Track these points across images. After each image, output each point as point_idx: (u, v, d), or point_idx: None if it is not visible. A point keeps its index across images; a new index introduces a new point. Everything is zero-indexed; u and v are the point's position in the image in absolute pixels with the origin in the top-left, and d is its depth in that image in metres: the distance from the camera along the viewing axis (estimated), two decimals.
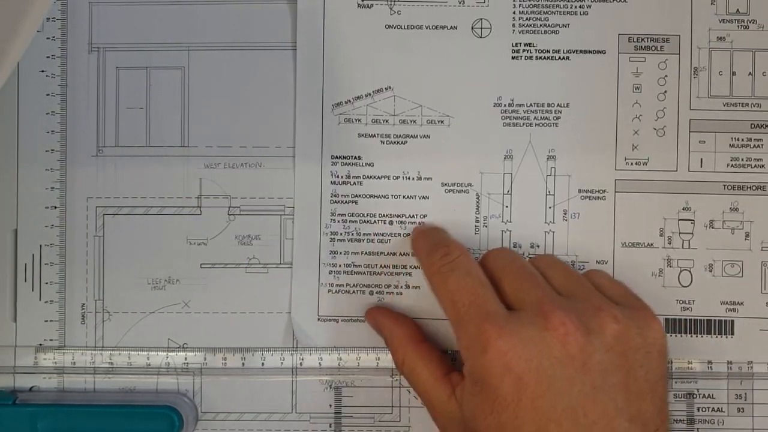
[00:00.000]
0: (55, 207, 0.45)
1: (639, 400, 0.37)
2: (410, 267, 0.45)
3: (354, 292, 0.45)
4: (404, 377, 0.42)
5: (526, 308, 0.38)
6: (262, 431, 0.46)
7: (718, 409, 0.45)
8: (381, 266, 0.45)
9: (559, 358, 0.36)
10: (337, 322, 0.45)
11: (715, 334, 0.45)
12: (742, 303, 0.45)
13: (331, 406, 0.46)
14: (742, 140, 0.45)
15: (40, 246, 0.45)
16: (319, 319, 0.45)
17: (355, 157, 0.45)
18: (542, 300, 0.38)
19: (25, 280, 0.45)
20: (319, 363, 0.46)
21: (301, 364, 0.46)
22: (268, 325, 0.46)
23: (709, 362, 0.45)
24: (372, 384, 0.45)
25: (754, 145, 0.45)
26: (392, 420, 0.46)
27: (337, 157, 0.45)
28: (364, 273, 0.45)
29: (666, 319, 0.45)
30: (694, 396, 0.45)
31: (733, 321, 0.45)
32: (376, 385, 0.46)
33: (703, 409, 0.45)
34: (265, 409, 0.46)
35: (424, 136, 0.45)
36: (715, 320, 0.45)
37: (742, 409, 0.45)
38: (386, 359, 0.45)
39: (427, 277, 0.42)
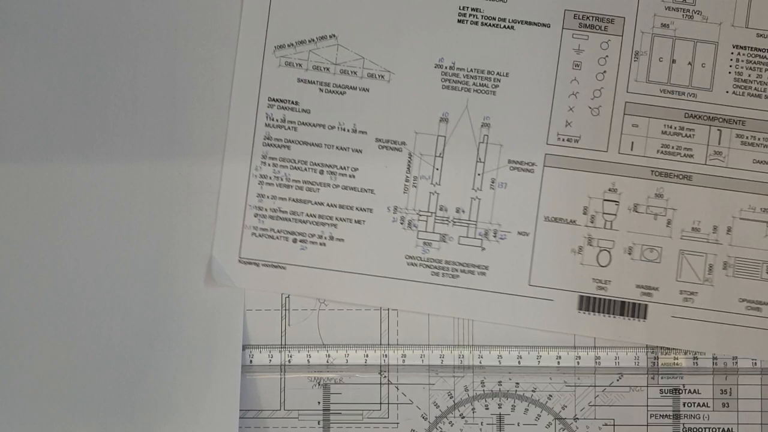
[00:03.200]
0: None
1: None
2: (336, 218, 0.42)
3: (277, 237, 0.42)
4: None
5: None
6: (251, 428, 0.42)
7: (704, 404, 0.42)
8: (307, 215, 0.42)
9: None
10: (258, 266, 0.42)
11: (627, 316, 0.41)
12: (657, 288, 0.41)
13: (319, 403, 0.42)
14: (675, 128, 0.41)
15: None
16: (239, 261, 0.42)
17: (292, 102, 0.42)
18: None
19: None
20: (308, 360, 0.42)
21: (289, 361, 0.42)
22: None
23: (695, 358, 0.42)
24: (360, 381, 0.42)
25: (686, 135, 0.41)
26: (380, 417, 0.42)
27: (274, 99, 0.42)
28: (290, 220, 0.42)
29: (580, 296, 0.41)
30: (680, 391, 0.42)
31: (646, 305, 0.41)
32: (365, 381, 0.42)
33: (689, 405, 0.42)
34: (253, 407, 0.42)
35: (364, 89, 0.42)
36: (628, 303, 0.41)
37: (727, 404, 0.42)
38: (374, 356, 0.42)
39: None
